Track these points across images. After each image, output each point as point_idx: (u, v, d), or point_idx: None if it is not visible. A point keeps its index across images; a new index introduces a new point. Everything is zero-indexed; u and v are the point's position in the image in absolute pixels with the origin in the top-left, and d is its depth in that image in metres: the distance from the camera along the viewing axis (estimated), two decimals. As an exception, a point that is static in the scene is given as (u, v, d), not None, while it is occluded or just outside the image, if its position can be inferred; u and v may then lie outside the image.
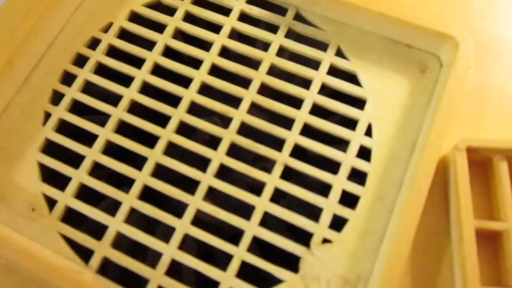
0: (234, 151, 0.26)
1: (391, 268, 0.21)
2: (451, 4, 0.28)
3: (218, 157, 0.25)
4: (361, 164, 0.25)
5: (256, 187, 0.25)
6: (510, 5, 0.29)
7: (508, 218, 0.21)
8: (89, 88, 0.28)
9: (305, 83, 0.27)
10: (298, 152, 0.26)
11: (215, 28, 0.29)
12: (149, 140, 0.26)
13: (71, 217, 0.25)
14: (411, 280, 0.22)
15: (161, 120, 0.27)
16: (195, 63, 0.28)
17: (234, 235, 0.24)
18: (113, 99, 0.27)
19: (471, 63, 0.25)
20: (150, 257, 0.25)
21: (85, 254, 0.24)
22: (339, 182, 0.24)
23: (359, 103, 0.26)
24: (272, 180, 0.25)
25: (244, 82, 0.27)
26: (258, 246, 0.25)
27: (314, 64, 0.27)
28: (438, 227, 0.23)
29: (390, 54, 0.27)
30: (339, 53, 0.28)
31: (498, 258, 0.21)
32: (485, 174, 0.23)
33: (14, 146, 0.26)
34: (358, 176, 0.25)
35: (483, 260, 0.21)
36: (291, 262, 0.23)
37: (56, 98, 0.27)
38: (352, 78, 0.27)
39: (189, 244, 0.25)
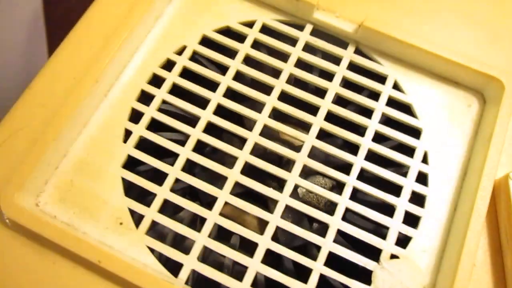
0: (307, 172, 0.28)
1: (458, 282, 0.24)
2: (497, 48, 0.32)
3: (293, 178, 0.27)
4: (420, 188, 0.28)
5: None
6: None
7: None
8: (166, 108, 0.29)
9: (366, 113, 0.30)
10: (360, 175, 0.28)
11: (282, 56, 0.31)
12: (227, 160, 0.28)
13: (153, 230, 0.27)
14: (471, 292, 0.25)
15: (236, 141, 0.29)
16: (265, 89, 0.30)
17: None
18: (189, 119, 0.29)
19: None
20: (235, 271, 0.27)
21: (171, 267, 0.25)
22: (402, 204, 0.27)
23: (412, 131, 0.30)
24: (344, 201, 0.27)
25: (312, 110, 0.30)
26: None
27: (368, 93, 0.30)
28: (490, 244, 0.27)
29: (440, 89, 0.31)
30: (396, 86, 0.31)
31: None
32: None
33: (97, 162, 0.27)
34: (415, 198, 0.28)
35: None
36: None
37: (135, 116, 0.29)
38: (407, 109, 0.30)
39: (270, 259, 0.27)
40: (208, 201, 0.28)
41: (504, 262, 0.26)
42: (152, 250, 0.26)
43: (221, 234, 0.29)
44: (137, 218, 0.26)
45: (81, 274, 0.24)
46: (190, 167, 0.31)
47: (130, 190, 0.27)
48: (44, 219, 0.25)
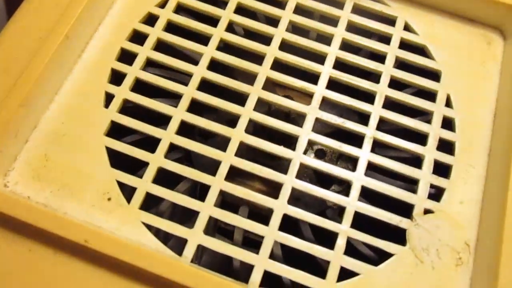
0: (319, 127, 0.25)
1: (508, 233, 0.21)
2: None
3: (305, 133, 0.24)
4: (447, 134, 0.25)
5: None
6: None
7: None
8: (153, 67, 0.25)
9: (375, 57, 0.27)
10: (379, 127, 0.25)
11: (278, 4, 0.28)
12: (226, 121, 0.24)
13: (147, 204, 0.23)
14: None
15: (234, 98, 0.25)
16: (264, 40, 0.26)
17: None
18: (179, 81, 0.25)
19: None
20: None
21: (173, 248, 0.22)
22: (430, 153, 0.24)
23: (431, 75, 0.27)
24: (365, 154, 0.24)
25: (318, 58, 0.26)
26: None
27: (378, 38, 0.27)
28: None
29: (455, 28, 0.28)
30: (407, 28, 0.28)
31: None
32: None
33: (75, 132, 0.23)
34: (444, 147, 0.25)
35: None
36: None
37: (116, 77, 0.25)
38: (421, 51, 0.27)
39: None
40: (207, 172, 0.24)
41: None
42: (149, 228, 0.22)
43: (225, 209, 0.25)
44: (128, 193, 0.22)
45: (65, 261, 0.20)
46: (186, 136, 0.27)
47: (116, 164, 0.23)
48: (15, 200, 0.21)
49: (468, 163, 0.24)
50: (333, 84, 0.26)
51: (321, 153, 0.30)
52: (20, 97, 0.22)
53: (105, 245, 0.19)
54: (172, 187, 0.24)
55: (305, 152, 0.29)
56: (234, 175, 0.25)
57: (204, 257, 0.25)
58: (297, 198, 0.26)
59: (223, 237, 0.26)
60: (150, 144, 0.23)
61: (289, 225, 0.23)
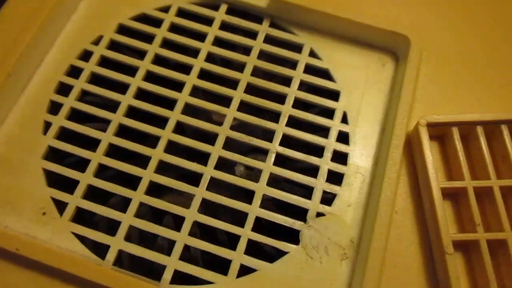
0: (229, 144, 0.29)
1: (379, 231, 0.25)
2: (402, 9, 0.33)
3: (216, 150, 0.28)
4: (342, 147, 0.29)
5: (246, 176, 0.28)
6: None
7: (466, 178, 0.26)
8: (86, 97, 0.29)
9: (285, 81, 0.31)
10: (284, 142, 0.29)
11: (199, 37, 0.32)
12: (150, 141, 0.28)
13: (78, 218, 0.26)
14: (393, 238, 0.26)
15: (158, 122, 0.29)
16: (185, 69, 0.30)
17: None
18: (109, 107, 0.29)
19: (422, 55, 0.30)
20: (157, 247, 0.27)
21: (98, 251, 0.25)
22: (325, 164, 0.28)
23: (332, 95, 0.31)
24: (268, 166, 0.28)
25: (232, 83, 0.30)
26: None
27: (290, 65, 0.31)
28: (410, 192, 0.27)
29: (355, 52, 0.32)
30: (312, 54, 0.32)
31: (460, 211, 0.26)
32: (442, 146, 0.28)
33: (17, 156, 0.27)
34: (338, 158, 0.29)
35: (448, 214, 0.26)
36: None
37: (54, 108, 0.29)
38: (324, 74, 0.31)
39: (194, 232, 0.27)
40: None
41: (424, 205, 0.26)
42: (81, 239, 0.26)
43: (155, 218, 0.29)
44: (63, 208, 0.26)
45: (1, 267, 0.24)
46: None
47: (55, 183, 0.27)
48: (-38, 217, 0.24)
49: (358, 172, 0.28)
50: (250, 107, 0.30)
51: (249, 169, 0.34)
52: (-34, 130, 0.26)
53: (34, 252, 0.23)
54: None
55: (233, 169, 0.33)
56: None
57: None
58: (225, 209, 0.29)
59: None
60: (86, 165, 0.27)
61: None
